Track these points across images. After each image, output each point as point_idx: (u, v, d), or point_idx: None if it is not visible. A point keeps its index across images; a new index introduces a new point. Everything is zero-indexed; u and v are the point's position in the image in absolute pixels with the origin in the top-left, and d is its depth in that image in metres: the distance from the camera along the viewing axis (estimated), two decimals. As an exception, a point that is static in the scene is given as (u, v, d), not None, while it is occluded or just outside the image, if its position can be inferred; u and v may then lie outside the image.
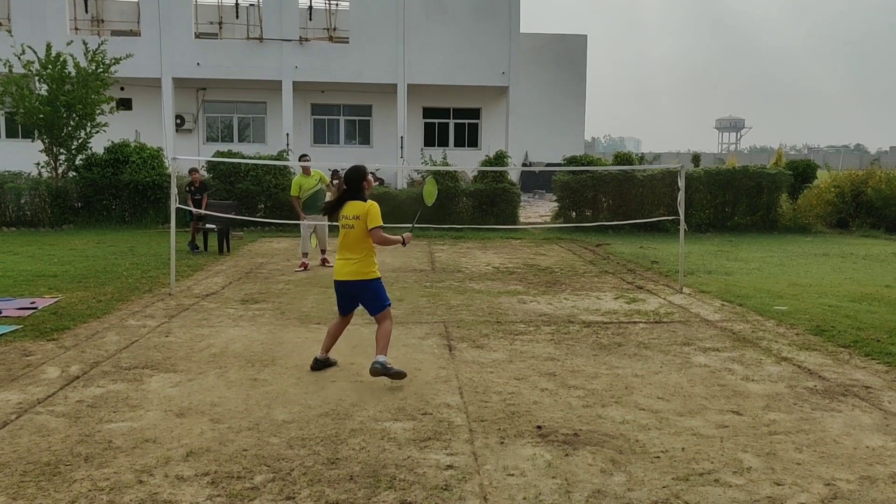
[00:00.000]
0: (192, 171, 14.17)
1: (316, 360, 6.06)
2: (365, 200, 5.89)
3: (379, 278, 5.93)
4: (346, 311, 6.11)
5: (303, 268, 11.67)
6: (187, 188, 13.81)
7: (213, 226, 13.67)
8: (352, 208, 5.82)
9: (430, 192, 6.98)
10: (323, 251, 12.20)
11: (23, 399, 5.21)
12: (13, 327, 7.26)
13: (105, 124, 18.27)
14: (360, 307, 6.04)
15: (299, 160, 12.00)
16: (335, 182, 12.08)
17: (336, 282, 5.95)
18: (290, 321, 7.88)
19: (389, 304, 5.97)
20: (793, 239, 16.98)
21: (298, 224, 15.93)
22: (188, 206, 13.33)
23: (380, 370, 5.56)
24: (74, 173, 17.89)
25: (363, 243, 5.83)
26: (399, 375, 5.61)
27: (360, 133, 29.66)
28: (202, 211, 13.04)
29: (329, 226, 12.03)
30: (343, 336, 7.20)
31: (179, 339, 6.99)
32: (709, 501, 3.75)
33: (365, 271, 5.83)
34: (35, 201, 17.29)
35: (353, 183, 5.91)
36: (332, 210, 6.01)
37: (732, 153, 77.70)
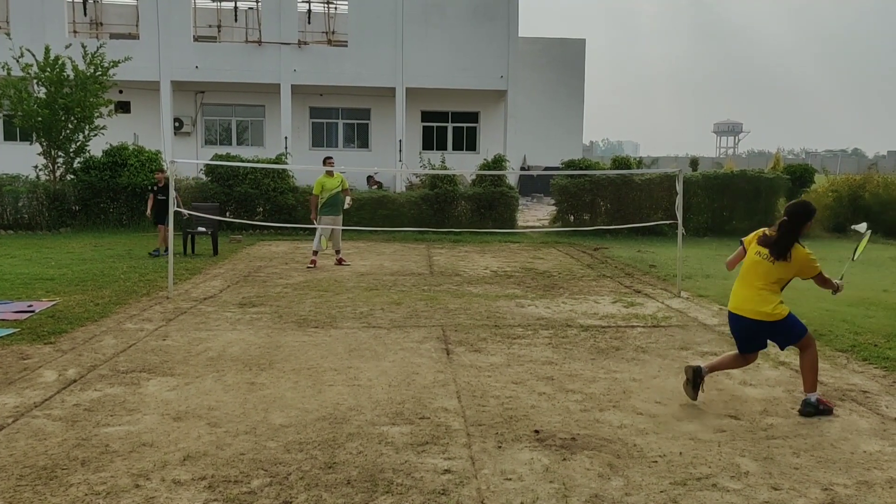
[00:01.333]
0: (158, 171, 14.08)
1: (694, 370, 5.40)
2: (800, 243, 5.14)
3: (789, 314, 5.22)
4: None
5: (312, 264, 12.17)
6: (151, 188, 13.71)
7: (204, 229, 13.63)
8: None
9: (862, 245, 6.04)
10: (337, 252, 12.63)
11: (20, 402, 5.20)
12: (10, 330, 7.25)
13: (103, 127, 18.25)
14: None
15: (324, 162, 12.36)
16: (372, 187, 12.51)
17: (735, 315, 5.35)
18: (288, 325, 7.87)
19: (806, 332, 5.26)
20: (790, 243, 16.96)
21: (296, 227, 16.02)
22: (148, 206, 13.42)
23: (811, 412, 5.11)
24: (72, 176, 17.86)
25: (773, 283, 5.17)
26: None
27: (359, 136, 29.67)
28: (185, 211, 12.67)
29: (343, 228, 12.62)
30: (341, 339, 7.21)
31: (177, 343, 6.98)
32: (706, 506, 3.75)
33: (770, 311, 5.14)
34: (33, 204, 17.26)
35: (796, 221, 5.13)
36: (782, 249, 5.10)
37: (730, 157, 77.77)
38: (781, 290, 5.21)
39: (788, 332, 5.19)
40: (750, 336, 5.30)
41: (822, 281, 5.23)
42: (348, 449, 4.42)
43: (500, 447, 4.49)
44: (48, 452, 4.32)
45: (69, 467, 4.12)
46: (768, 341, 5.32)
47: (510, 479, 4.03)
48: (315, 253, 12.31)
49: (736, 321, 5.36)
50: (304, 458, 4.29)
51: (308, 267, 12.10)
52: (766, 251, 5.16)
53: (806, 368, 5.24)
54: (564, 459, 4.32)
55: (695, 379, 5.32)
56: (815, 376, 5.23)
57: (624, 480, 4.04)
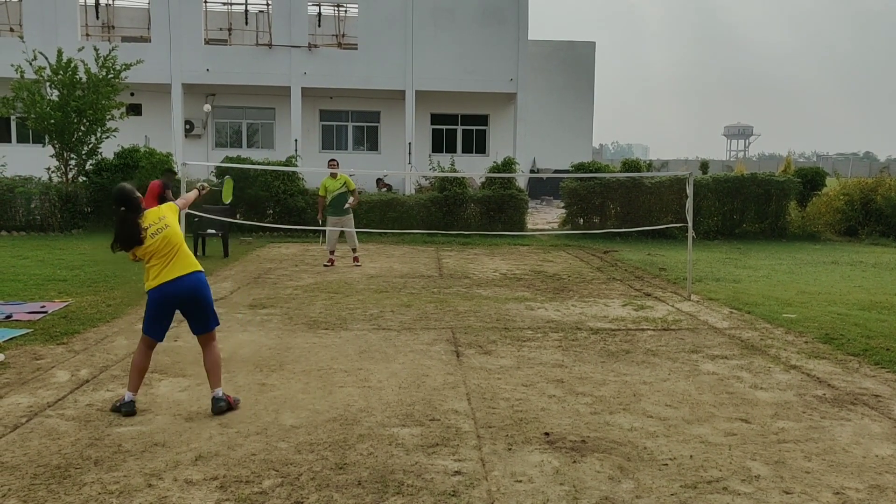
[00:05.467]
0: (169, 170, 14.02)
1: None
2: None
3: None
4: None
5: (330, 263, 12.56)
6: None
7: (214, 231, 13.76)
8: None
9: (227, 193, 6.85)
10: (353, 251, 12.89)
11: (33, 402, 5.24)
12: (23, 331, 7.30)
13: (115, 130, 18.38)
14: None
15: (328, 165, 12.79)
16: (382, 189, 12.74)
17: None
18: (299, 326, 7.90)
19: None
20: (801, 247, 16.92)
21: (305, 230, 16.09)
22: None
23: None
24: (84, 178, 17.99)
25: None
26: None
27: (369, 139, 29.75)
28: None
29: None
30: (351, 341, 7.24)
31: (188, 344, 7.01)
32: (717, 509, 3.74)
33: None
34: (45, 206, 17.38)
35: None
36: None
37: (741, 160, 77.46)
38: None
39: None
40: None
41: None
42: (359, 450, 4.44)
43: (510, 449, 4.50)
44: (62, 452, 4.35)
45: (82, 466, 4.15)
46: None
47: (520, 481, 4.04)
48: (332, 252, 12.66)
49: None
50: (315, 458, 4.31)
51: (325, 265, 12.45)
52: None
53: None
54: (574, 462, 4.32)
55: None
56: None
57: (634, 483, 4.04)
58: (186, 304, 5.16)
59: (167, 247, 5.14)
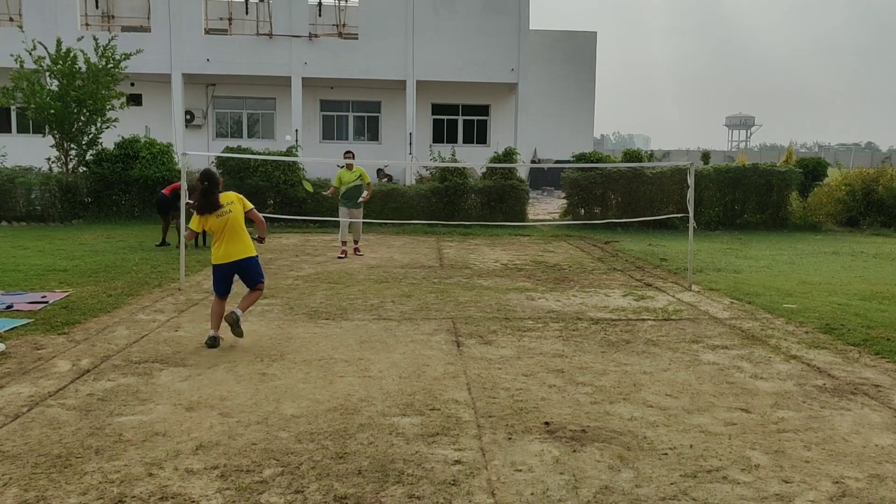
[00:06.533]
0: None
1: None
2: None
3: None
4: None
5: (343, 254, 12.53)
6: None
7: None
8: None
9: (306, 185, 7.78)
10: (356, 242, 12.95)
11: (34, 392, 5.25)
12: (24, 321, 7.31)
13: (115, 120, 18.34)
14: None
15: (344, 156, 12.68)
16: (383, 180, 12.73)
17: None
18: (299, 316, 7.90)
19: None
20: (803, 237, 16.91)
21: (306, 220, 16.09)
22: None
23: None
24: (84, 168, 17.96)
25: None
26: None
27: (369, 129, 29.69)
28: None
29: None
30: (351, 331, 7.24)
31: (189, 334, 7.03)
32: (717, 498, 3.75)
33: None
34: (45, 196, 17.38)
35: None
36: None
37: (742, 151, 77.31)
38: None
39: None
40: None
41: None
42: (359, 439, 4.45)
43: (510, 439, 4.50)
44: (62, 441, 4.36)
45: (83, 456, 4.16)
46: None
47: (520, 471, 4.04)
48: (343, 243, 12.65)
49: None
50: (316, 448, 4.32)
51: (339, 257, 12.39)
52: None
53: None
54: (574, 451, 4.32)
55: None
56: None
57: (634, 472, 4.05)
58: (239, 274, 6.76)
59: (228, 230, 6.63)
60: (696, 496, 3.77)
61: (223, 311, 6.66)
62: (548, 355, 6.45)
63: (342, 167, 12.61)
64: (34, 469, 3.98)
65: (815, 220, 18.98)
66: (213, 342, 6.54)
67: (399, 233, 16.43)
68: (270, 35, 25.98)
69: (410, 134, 26.47)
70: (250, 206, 6.91)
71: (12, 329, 7.00)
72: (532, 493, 3.78)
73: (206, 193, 6.57)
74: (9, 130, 26.64)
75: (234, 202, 6.68)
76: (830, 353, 6.65)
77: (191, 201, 7.29)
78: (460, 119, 29.97)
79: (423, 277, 10.62)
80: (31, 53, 17.54)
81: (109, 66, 18.07)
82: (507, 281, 10.42)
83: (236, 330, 6.56)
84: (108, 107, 18.08)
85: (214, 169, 6.50)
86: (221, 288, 6.75)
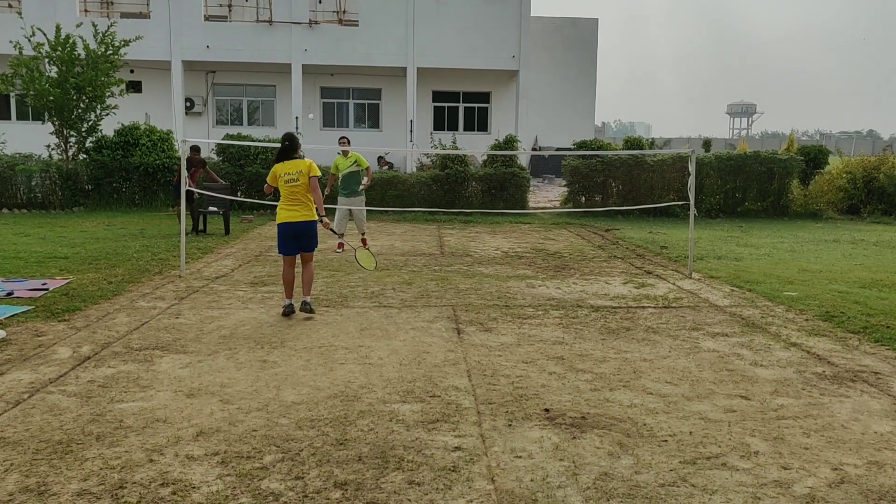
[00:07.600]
0: (194, 151, 13.54)
1: None
2: None
3: None
4: None
5: (340, 248, 11.61)
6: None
7: (215, 208, 13.71)
8: None
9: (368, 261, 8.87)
10: (362, 234, 12.02)
11: (35, 379, 5.26)
12: (25, 308, 7.32)
13: (115, 107, 18.30)
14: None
15: (338, 142, 11.75)
16: (383, 167, 12.24)
17: None
18: (300, 304, 7.89)
19: None
20: (803, 225, 16.89)
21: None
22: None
23: None
24: (85, 156, 17.94)
25: None
26: None
27: (370, 116, 29.61)
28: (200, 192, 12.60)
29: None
30: (352, 319, 7.25)
31: (189, 321, 7.04)
32: (716, 485, 3.76)
33: None
34: (46, 183, 17.38)
35: None
36: None
37: (744, 139, 77.13)
38: None
39: None
40: None
41: None
42: (359, 426, 4.46)
43: (510, 425, 4.51)
44: (63, 427, 4.37)
45: (84, 442, 4.17)
46: None
47: (520, 457, 4.06)
48: (341, 236, 11.52)
49: None
50: (316, 434, 4.33)
51: (336, 251, 11.57)
52: None
53: None
54: (574, 438, 4.33)
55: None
56: None
57: (634, 459, 4.06)
58: (299, 236, 7.26)
59: (293, 195, 7.21)
60: (696, 483, 3.78)
61: (293, 279, 7.34)
62: (548, 342, 6.46)
63: (340, 154, 11.90)
64: (35, 455, 3.99)
65: (816, 208, 18.96)
66: (288, 309, 7.21)
67: (400, 220, 16.42)
68: (270, 22, 25.86)
69: (411, 121, 26.40)
70: (316, 173, 7.29)
71: (13, 316, 7.01)
72: (532, 480, 3.79)
73: (285, 151, 7.30)
74: (8, 117, 26.57)
75: (302, 171, 7.19)
76: (830, 340, 6.66)
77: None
78: (461, 106, 29.88)
79: (424, 265, 10.62)
80: (30, 40, 17.48)
81: (109, 52, 18.02)
82: (508, 268, 10.41)
83: (311, 315, 7.27)
84: (107, 94, 18.04)
85: (294, 133, 7.14)
86: (286, 249, 7.28)
